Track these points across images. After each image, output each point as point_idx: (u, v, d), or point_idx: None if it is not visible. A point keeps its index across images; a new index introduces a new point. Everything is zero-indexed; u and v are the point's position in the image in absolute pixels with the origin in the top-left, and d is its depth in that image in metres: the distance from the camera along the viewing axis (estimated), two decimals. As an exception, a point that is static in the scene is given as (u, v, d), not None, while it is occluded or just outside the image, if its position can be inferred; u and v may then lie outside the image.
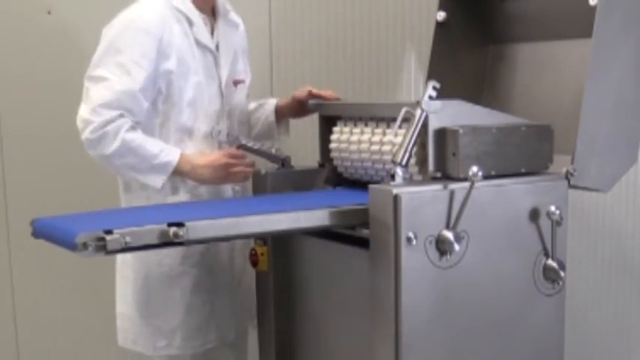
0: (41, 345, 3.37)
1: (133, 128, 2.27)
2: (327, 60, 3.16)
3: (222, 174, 2.33)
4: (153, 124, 2.36)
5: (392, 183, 1.92)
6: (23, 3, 3.20)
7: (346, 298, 2.16)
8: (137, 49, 2.27)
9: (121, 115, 2.24)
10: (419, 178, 2.06)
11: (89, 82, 2.31)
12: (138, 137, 2.27)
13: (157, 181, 2.30)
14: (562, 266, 2.06)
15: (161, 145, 2.31)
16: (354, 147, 2.29)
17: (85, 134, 2.26)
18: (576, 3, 2.24)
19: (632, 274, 2.85)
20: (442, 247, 1.89)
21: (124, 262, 2.48)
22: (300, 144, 2.78)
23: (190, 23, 2.37)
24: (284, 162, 2.41)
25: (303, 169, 2.44)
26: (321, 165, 2.44)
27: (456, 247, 1.88)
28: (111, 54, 2.29)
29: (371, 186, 1.92)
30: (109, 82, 2.26)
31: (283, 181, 2.36)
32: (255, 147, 2.44)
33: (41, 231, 1.97)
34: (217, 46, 2.46)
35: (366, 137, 2.26)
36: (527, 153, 2.06)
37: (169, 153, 2.30)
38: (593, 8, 2.14)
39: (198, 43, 2.39)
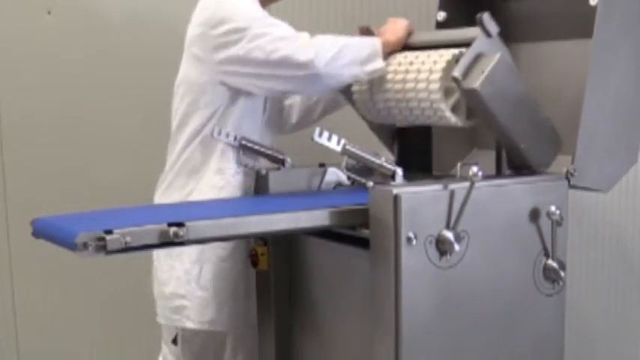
0: (41, 345, 3.37)
1: None
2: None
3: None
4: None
5: (392, 183, 1.92)
6: (23, 3, 3.20)
7: (346, 298, 2.16)
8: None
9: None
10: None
11: (262, 52, 2.27)
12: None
13: (380, 62, 2.29)
14: (562, 266, 2.06)
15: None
16: (376, 87, 2.31)
17: (314, 60, 2.23)
18: (576, 3, 2.24)
19: (632, 274, 2.85)
20: (442, 247, 1.89)
21: None
22: (300, 144, 2.78)
23: None
24: (284, 162, 2.41)
25: (303, 169, 2.44)
26: (321, 165, 2.44)
27: (456, 247, 1.88)
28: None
29: (371, 186, 1.92)
30: (276, 28, 2.30)
31: (283, 181, 2.36)
32: (255, 147, 2.44)
33: (41, 231, 1.97)
34: None
35: (391, 70, 2.29)
36: (528, 153, 2.07)
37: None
38: (593, 8, 2.14)
39: None
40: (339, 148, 2.04)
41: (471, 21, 2.56)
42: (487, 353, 2.02)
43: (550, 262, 2.06)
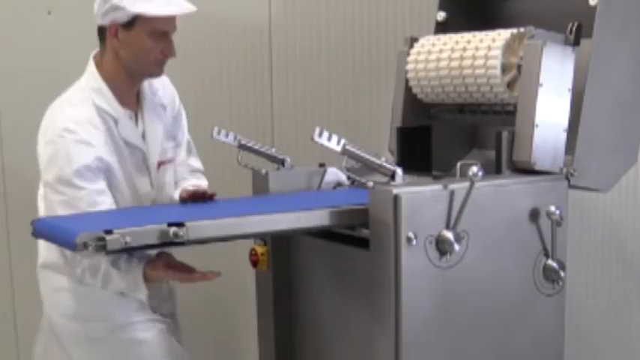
0: (41, 345, 3.37)
1: None
2: (327, 59, 3.16)
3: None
4: None
5: (392, 183, 1.92)
6: (23, 3, 3.20)
7: (346, 298, 2.16)
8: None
9: None
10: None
11: None
12: None
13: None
14: (562, 266, 2.06)
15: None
16: (432, 64, 2.32)
17: None
18: (576, 3, 2.24)
19: (632, 274, 2.85)
20: (442, 247, 1.89)
21: None
22: (300, 144, 2.78)
23: (116, 122, 2.33)
24: (284, 162, 2.41)
25: (303, 169, 2.44)
26: (321, 165, 2.44)
27: (456, 247, 1.88)
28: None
29: (371, 186, 1.92)
30: None
31: (283, 181, 2.36)
32: (256, 147, 2.45)
33: (41, 231, 1.97)
34: (143, 134, 2.41)
35: (447, 48, 2.29)
36: (528, 153, 2.06)
37: None
38: (593, 8, 2.14)
39: (126, 142, 2.34)
40: (339, 148, 2.04)
41: (470, 21, 2.57)
42: (487, 353, 2.02)
43: (550, 262, 2.06)
